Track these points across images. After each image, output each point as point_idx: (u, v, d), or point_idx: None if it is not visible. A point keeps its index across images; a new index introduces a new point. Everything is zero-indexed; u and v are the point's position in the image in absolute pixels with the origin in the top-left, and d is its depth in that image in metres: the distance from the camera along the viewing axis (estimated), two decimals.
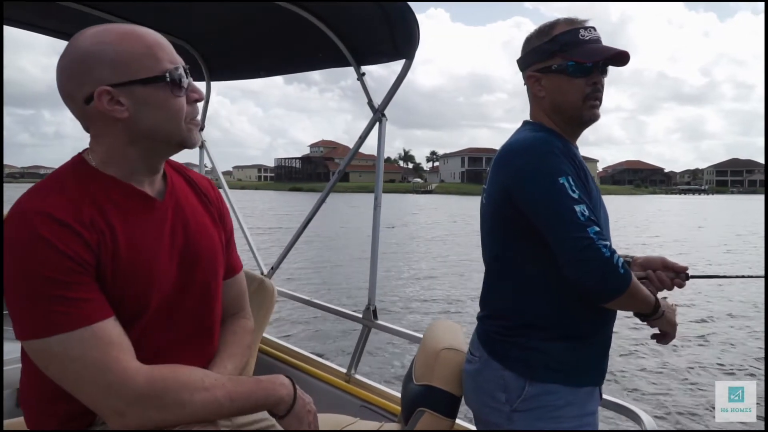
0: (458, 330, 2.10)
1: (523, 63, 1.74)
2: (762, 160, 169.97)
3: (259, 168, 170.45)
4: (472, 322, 1.79)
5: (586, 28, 1.65)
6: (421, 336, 2.52)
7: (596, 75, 1.64)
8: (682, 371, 7.31)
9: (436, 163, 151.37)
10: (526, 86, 1.76)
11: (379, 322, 2.85)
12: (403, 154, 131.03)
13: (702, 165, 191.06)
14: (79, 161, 1.27)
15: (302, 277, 12.68)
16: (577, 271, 1.47)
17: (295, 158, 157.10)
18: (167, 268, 1.29)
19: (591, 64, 1.62)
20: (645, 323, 1.66)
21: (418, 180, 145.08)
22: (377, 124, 2.90)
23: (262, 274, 3.39)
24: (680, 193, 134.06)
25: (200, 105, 1.34)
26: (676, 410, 6.49)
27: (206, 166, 3.87)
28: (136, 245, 1.23)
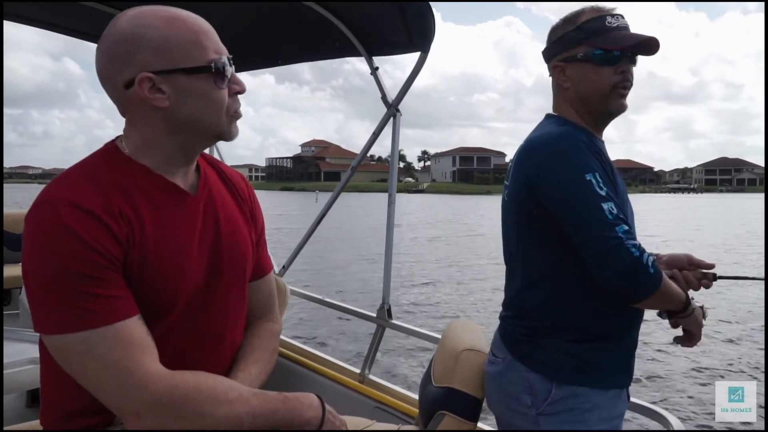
0: (478, 330, 2.04)
1: (548, 53, 1.68)
2: (750, 159, 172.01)
3: (251, 168, 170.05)
4: (487, 322, 1.72)
5: (613, 15, 1.59)
6: (437, 336, 2.46)
7: (625, 63, 1.58)
8: (682, 372, 7.20)
9: (428, 163, 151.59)
10: (551, 78, 1.70)
11: (394, 321, 2.78)
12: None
13: (691, 164, 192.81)
14: (112, 148, 1.22)
15: (308, 278, 12.68)
16: (606, 271, 1.41)
17: (287, 158, 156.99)
18: (197, 264, 1.24)
19: (619, 52, 1.56)
20: (669, 321, 1.60)
21: (410, 179, 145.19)
22: (391, 119, 2.82)
23: (274, 272, 3.31)
24: (670, 192, 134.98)
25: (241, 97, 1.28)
26: (676, 410, 6.48)
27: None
28: (165, 240, 1.18)
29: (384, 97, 2.80)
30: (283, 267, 3.37)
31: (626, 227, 1.41)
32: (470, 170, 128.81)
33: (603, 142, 1.67)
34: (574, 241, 1.45)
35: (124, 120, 1.25)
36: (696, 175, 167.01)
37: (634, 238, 1.42)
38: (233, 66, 1.24)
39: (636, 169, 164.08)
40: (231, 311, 1.34)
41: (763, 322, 9.38)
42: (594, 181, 1.43)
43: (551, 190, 1.50)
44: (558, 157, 1.49)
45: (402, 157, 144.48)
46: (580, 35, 1.59)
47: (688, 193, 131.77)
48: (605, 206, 1.40)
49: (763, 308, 9.62)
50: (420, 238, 23.30)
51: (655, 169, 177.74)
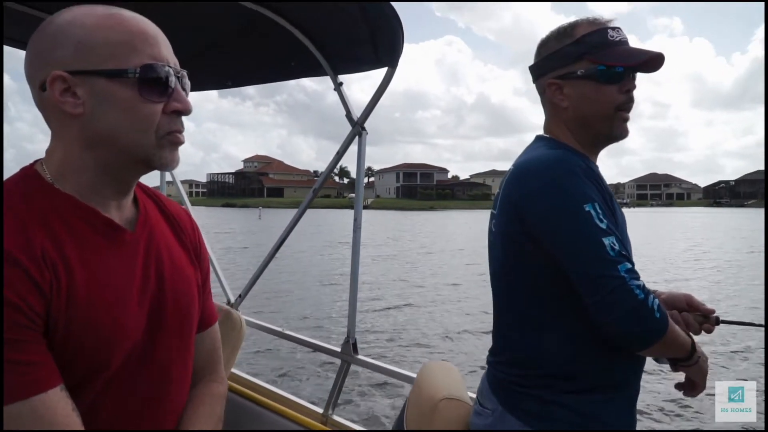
0: (457, 374, 1.87)
1: (540, 69, 1.52)
2: (678, 175, 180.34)
3: (191, 183, 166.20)
4: (465, 351, 1.56)
5: (614, 29, 1.45)
6: (408, 374, 2.30)
7: (629, 81, 1.44)
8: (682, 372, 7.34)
9: (372, 179, 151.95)
10: (542, 96, 1.53)
11: (360, 357, 2.59)
12: (338, 170, 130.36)
13: (623, 180, 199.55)
14: (30, 174, 1.01)
15: (263, 304, 12.02)
16: (607, 315, 1.26)
17: (229, 173, 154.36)
18: (135, 316, 1.03)
19: (622, 68, 1.41)
20: (669, 366, 1.46)
21: (353, 195, 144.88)
22: (357, 138, 2.65)
23: (228, 302, 3.10)
24: None
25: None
26: (676, 410, 6.50)
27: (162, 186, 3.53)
28: (98, 287, 0.97)
29: (349, 115, 2.64)
30: (239, 296, 3.13)
31: (629, 265, 1.27)
32: (414, 186, 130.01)
33: (597, 166, 1.52)
34: (572, 280, 1.30)
35: None
36: (628, 191, 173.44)
37: (638, 278, 1.27)
38: (180, 82, 1.05)
39: None
40: (174, 370, 1.14)
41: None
42: (593, 212, 1.28)
43: (545, 223, 1.34)
44: (552, 184, 1.33)
45: (346, 173, 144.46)
46: (580, 49, 1.43)
47: (621, 207, 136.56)
48: (606, 241, 1.26)
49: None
50: (377, 258, 22.98)
51: None
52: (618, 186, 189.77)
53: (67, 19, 1.00)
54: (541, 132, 1.57)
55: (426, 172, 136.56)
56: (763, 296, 13.02)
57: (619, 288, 1.24)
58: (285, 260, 19.23)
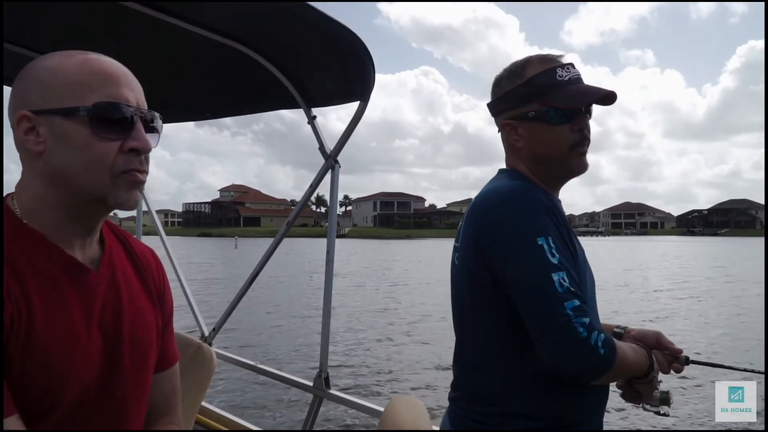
0: (422, 409, 1.86)
1: (495, 109, 1.53)
2: (651, 204, 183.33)
3: (167, 213, 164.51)
4: (429, 387, 1.55)
5: (563, 66, 1.45)
6: (379, 409, 2.28)
7: (581, 119, 1.44)
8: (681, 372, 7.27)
9: (349, 207, 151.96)
10: (500, 134, 1.54)
11: (332, 392, 2.58)
12: (315, 198, 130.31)
13: (598, 208, 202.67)
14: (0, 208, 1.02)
15: (237, 337, 11.83)
16: (549, 352, 1.27)
17: (205, 203, 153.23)
18: (90, 355, 1.03)
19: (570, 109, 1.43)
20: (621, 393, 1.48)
21: None
22: (330, 171, 2.67)
23: (202, 336, 3.08)
24: (580, 236, 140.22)
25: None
26: (676, 410, 6.51)
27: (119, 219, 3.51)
28: (55, 325, 0.98)
29: (322, 148, 2.67)
30: (214, 329, 3.12)
31: (577, 302, 1.25)
32: (391, 215, 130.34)
33: (559, 201, 1.53)
34: (521, 314, 1.30)
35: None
36: (603, 219, 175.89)
37: (585, 315, 1.25)
38: (148, 121, 1.07)
39: None
40: (131, 410, 1.14)
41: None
42: (546, 246, 1.28)
43: (499, 255, 1.34)
44: (509, 217, 1.34)
45: (323, 202, 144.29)
46: (529, 91, 1.43)
47: (596, 236, 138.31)
48: (555, 277, 1.25)
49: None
50: (351, 288, 22.86)
51: (566, 213, 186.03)
52: (593, 215, 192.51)
53: (38, 64, 1.04)
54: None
55: (403, 201, 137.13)
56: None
57: (563, 326, 1.23)
58: (260, 291, 19.03)
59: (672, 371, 1.48)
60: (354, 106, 2.52)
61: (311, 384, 2.63)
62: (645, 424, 6.20)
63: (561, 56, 1.47)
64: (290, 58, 2.44)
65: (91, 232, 1.09)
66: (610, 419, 6.52)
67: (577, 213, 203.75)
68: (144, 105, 1.08)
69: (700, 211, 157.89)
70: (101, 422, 1.07)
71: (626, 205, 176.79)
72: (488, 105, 1.56)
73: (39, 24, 2.31)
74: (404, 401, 1.96)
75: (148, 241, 3.76)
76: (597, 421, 1.47)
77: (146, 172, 1.08)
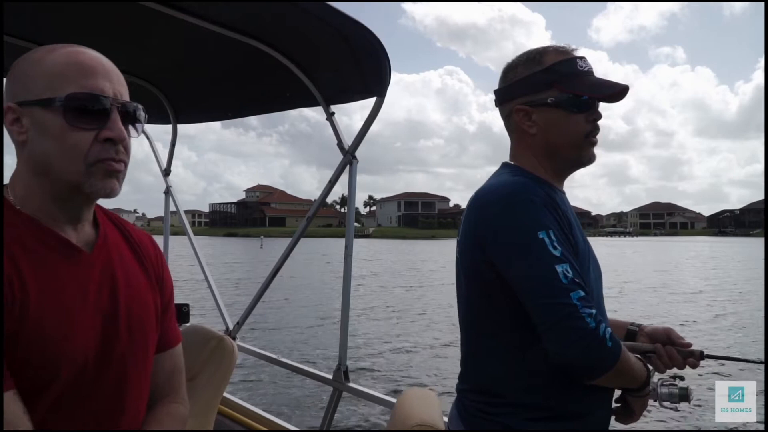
0: (434, 401, 1.88)
1: (506, 94, 1.52)
2: (681, 203, 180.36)
3: (193, 213, 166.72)
4: (452, 388, 1.57)
5: (581, 58, 1.46)
6: (394, 401, 2.31)
7: (595, 110, 1.46)
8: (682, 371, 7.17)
9: (374, 208, 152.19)
10: (507, 121, 1.54)
11: (351, 384, 2.62)
12: (339, 199, 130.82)
13: (626, 208, 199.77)
14: None
15: (260, 335, 12.07)
16: (556, 343, 1.27)
17: (231, 203, 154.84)
18: (87, 332, 1.07)
19: (590, 98, 1.44)
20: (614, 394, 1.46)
21: (356, 224, 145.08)
22: (348, 167, 2.71)
23: (227, 330, 3.17)
24: (607, 236, 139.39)
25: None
26: (676, 410, 6.34)
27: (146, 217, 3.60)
28: (49, 301, 1.02)
29: (340, 144, 2.71)
30: (237, 323, 3.20)
31: (582, 293, 1.26)
32: (415, 215, 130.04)
33: (564, 193, 1.53)
34: (526, 308, 1.31)
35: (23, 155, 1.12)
36: (631, 219, 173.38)
37: (591, 306, 1.26)
38: (128, 112, 1.10)
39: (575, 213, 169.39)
40: (128, 388, 1.17)
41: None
42: (547, 239, 1.28)
43: (500, 250, 1.35)
44: (508, 212, 1.35)
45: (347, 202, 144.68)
46: (550, 77, 1.44)
47: (624, 236, 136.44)
48: (559, 269, 1.26)
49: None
50: (381, 287, 22.88)
51: (593, 213, 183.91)
52: (621, 215, 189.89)
53: (24, 58, 1.10)
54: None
55: (427, 201, 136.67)
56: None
57: (569, 316, 1.23)
58: (285, 289, 19.29)
59: (688, 366, 1.47)
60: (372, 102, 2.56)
61: (331, 377, 2.66)
62: (645, 424, 6.13)
63: (576, 49, 1.49)
64: (308, 56, 2.50)
65: (80, 217, 1.13)
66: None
67: (604, 213, 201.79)
68: (123, 96, 1.11)
69: (731, 211, 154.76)
70: (100, 398, 1.10)
71: (655, 205, 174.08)
72: (496, 91, 1.56)
73: (62, 24, 2.40)
74: (417, 393, 1.99)
75: (175, 240, 3.87)
76: (603, 412, 1.47)
77: (123, 162, 1.10)
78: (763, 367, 1.68)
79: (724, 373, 7.36)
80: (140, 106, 1.14)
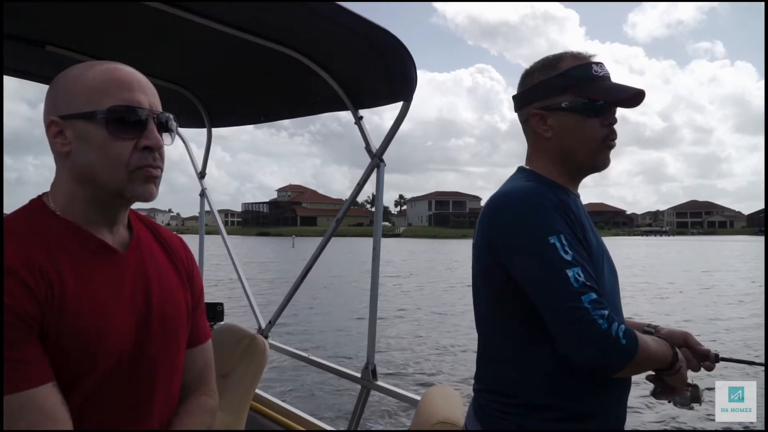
0: (456, 399, 1.94)
1: (524, 99, 1.55)
2: (720, 202, 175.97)
3: (226, 213, 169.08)
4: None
5: (597, 63, 1.48)
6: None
7: (611, 114, 1.48)
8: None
9: (404, 207, 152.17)
10: (525, 126, 1.57)
11: (379, 383, 2.67)
12: (370, 198, 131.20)
13: (663, 207, 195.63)
14: (36, 204, 1.17)
15: (292, 331, 12.35)
16: (570, 346, 1.30)
17: (263, 203, 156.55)
18: (122, 327, 1.15)
19: (605, 103, 1.45)
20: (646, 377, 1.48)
21: (387, 223, 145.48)
22: (375, 170, 2.77)
23: (260, 329, 3.27)
24: (642, 235, 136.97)
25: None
26: (676, 410, 6.28)
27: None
28: (86, 298, 1.10)
29: (368, 147, 2.77)
30: (269, 322, 3.30)
31: (594, 296, 1.28)
32: (446, 214, 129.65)
33: (578, 196, 1.55)
34: (539, 311, 1.34)
35: None
36: (667, 218, 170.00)
37: (604, 307, 1.29)
38: (162, 122, 1.19)
39: (609, 212, 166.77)
40: (161, 381, 1.24)
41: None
42: (558, 244, 1.31)
43: (513, 255, 1.39)
44: (520, 217, 1.38)
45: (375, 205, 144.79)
46: (565, 82, 1.46)
47: (661, 235, 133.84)
48: (570, 273, 1.29)
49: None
50: (416, 288, 22.89)
51: (628, 212, 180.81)
52: (657, 213, 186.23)
53: (66, 73, 1.17)
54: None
55: (458, 200, 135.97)
56: None
57: (582, 319, 1.26)
58: (316, 288, 19.48)
59: (703, 369, 1.49)
60: (415, 105, 2.62)
61: (359, 375, 2.72)
62: (645, 424, 6.21)
63: (594, 55, 1.50)
64: (337, 63, 2.56)
65: (116, 220, 1.22)
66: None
67: (639, 212, 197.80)
68: (157, 107, 1.19)
69: None
70: (133, 391, 1.18)
71: (692, 204, 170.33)
72: (514, 97, 1.59)
73: (105, 38, 2.53)
74: (440, 391, 2.04)
75: (209, 240, 3.96)
76: (619, 412, 1.50)
77: (160, 168, 1.19)
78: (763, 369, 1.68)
79: (724, 375, 7.21)
80: (172, 116, 1.22)
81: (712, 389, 1.54)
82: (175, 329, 1.27)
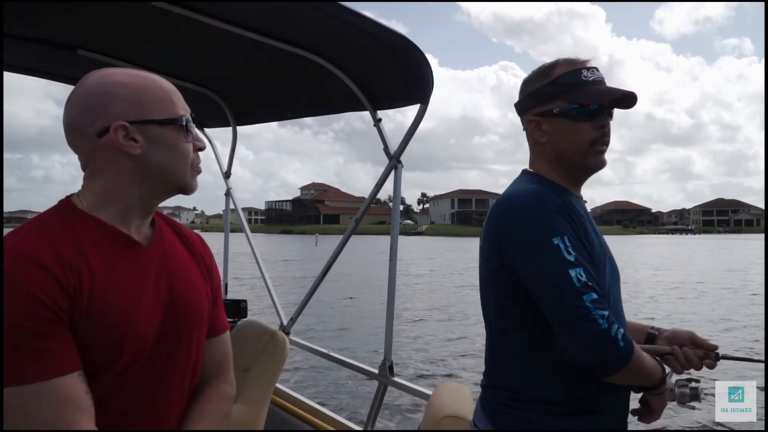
0: (466, 394, 1.99)
1: (522, 107, 1.63)
2: (747, 200, 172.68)
3: (250, 211, 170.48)
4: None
5: (588, 69, 1.54)
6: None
7: (603, 118, 1.52)
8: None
9: (427, 205, 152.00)
10: (525, 132, 1.64)
11: (396, 379, 2.74)
12: (389, 197, 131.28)
13: (689, 205, 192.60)
14: (66, 204, 1.25)
15: (312, 325, 12.65)
16: (570, 343, 1.35)
17: (286, 201, 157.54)
18: (147, 317, 1.22)
19: (596, 106, 1.51)
20: (632, 388, 1.52)
21: (409, 222, 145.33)
22: (393, 171, 2.83)
23: (281, 325, 3.35)
24: (668, 233, 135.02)
25: (204, 154, 1.36)
26: (676, 409, 6.24)
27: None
28: (113, 288, 1.18)
29: (386, 149, 2.83)
30: (291, 319, 3.38)
31: (595, 296, 1.34)
32: (469, 212, 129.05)
33: (580, 198, 1.60)
34: (543, 310, 1.39)
35: None
36: (693, 216, 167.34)
37: (604, 308, 1.34)
38: (194, 126, 1.32)
39: (633, 210, 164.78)
40: (182, 369, 1.32)
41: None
42: (562, 245, 1.36)
43: (517, 256, 1.44)
44: (524, 220, 1.44)
45: (401, 201, 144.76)
46: (555, 89, 1.53)
47: (686, 234, 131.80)
48: (572, 273, 1.34)
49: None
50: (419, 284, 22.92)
51: (653, 211, 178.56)
52: (683, 212, 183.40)
53: (110, 80, 1.24)
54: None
55: (481, 198, 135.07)
56: None
57: (582, 317, 1.31)
58: (338, 286, 19.70)
59: (705, 367, 1.52)
60: (433, 107, 2.70)
61: (376, 371, 2.79)
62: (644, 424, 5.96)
63: (588, 60, 1.56)
64: (356, 66, 2.64)
65: (149, 215, 1.31)
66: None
67: (665, 210, 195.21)
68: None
69: None
70: (155, 376, 1.25)
71: (719, 202, 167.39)
72: (516, 105, 1.66)
73: (137, 44, 2.64)
74: (450, 387, 2.10)
75: (233, 238, 4.05)
76: (621, 409, 1.54)
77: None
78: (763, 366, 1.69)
79: (728, 370, 7.13)
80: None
81: (712, 389, 1.55)
82: (197, 319, 1.35)
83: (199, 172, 1.34)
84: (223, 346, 1.48)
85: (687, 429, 5.98)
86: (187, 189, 1.32)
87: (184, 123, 1.27)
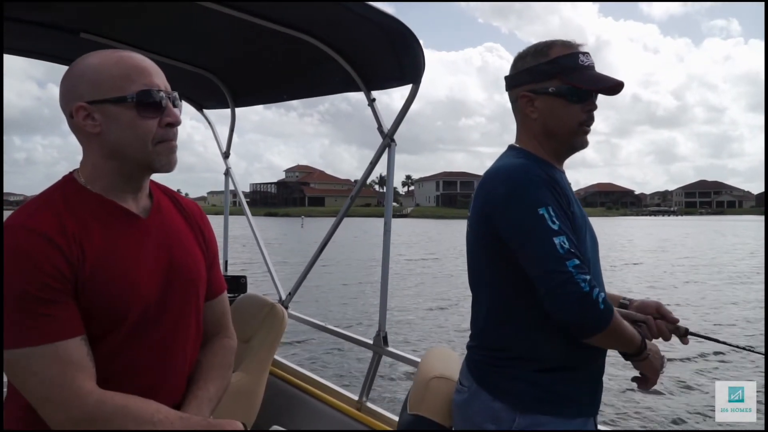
0: (454, 358, 2.10)
1: (514, 81, 1.70)
2: (730, 182, 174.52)
3: (234, 193, 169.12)
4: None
5: (584, 53, 1.63)
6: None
7: (592, 102, 1.63)
8: (682, 371, 7.15)
9: (412, 188, 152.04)
10: (514, 106, 1.72)
11: (390, 349, 2.86)
12: (378, 179, 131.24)
13: (672, 187, 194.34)
14: (68, 180, 1.34)
15: (309, 300, 13.17)
16: (554, 305, 1.46)
17: (271, 183, 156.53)
18: (147, 283, 1.32)
19: (589, 90, 1.61)
20: (629, 362, 1.63)
21: (395, 204, 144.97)
22: (387, 149, 2.93)
23: (280, 299, 3.46)
24: (650, 215, 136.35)
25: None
26: (676, 410, 6.38)
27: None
28: (114, 257, 1.27)
29: (380, 128, 2.92)
30: (289, 294, 3.49)
31: (577, 261, 1.44)
32: (453, 194, 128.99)
33: (563, 172, 1.71)
34: (528, 274, 1.50)
35: None
36: (676, 198, 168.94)
37: (586, 273, 1.44)
38: (172, 101, 1.34)
39: (617, 192, 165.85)
40: (183, 328, 1.42)
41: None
42: (547, 215, 1.47)
43: (505, 225, 1.55)
44: (511, 191, 1.54)
45: (385, 182, 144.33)
46: (553, 69, 1.61)
47: (668, 215, 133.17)
48: (557, 240, 1.44)
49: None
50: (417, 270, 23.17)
51: (636, 192, 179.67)
52: (665, 194, 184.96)
53: (84, 63, 1.31)
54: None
55: (466, 180, 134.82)
56: None
57: (566, 281, 1.42)
58: (330, 264, 20.11)
59: (675, 337, 1.63)
60: (424, 87, 2.78)
61: (371, 342, 2.91)
62: (644, 424, 6.30)
63: (582, 45, 1.65)
64: (350, 48, 2.72)
65: (138, 190, 1.39)
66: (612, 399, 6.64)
67: (648, 192, 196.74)
68: (168, 88, 1.36)
69: None
70: (159, 337, 1.35)
71: (701, 183, 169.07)
72: (506, 78, 1.74)
73: (136, 28, 2.70)
74: (438, 351, 2.22)
75: (234, 221, 4.11)
76: (598, 366, 1.67)
77: (175, 141, 1.36)
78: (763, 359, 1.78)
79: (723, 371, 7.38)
80: (177, 95, 1.38)
81: (712, 389, 1.63)
82: (194, 283, 1.45)
83: (170, 147, 1.34)
84: (221, 304, 1.60)
85: (687, 429, 6.16)
86: (153, 165, 1.33)
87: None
